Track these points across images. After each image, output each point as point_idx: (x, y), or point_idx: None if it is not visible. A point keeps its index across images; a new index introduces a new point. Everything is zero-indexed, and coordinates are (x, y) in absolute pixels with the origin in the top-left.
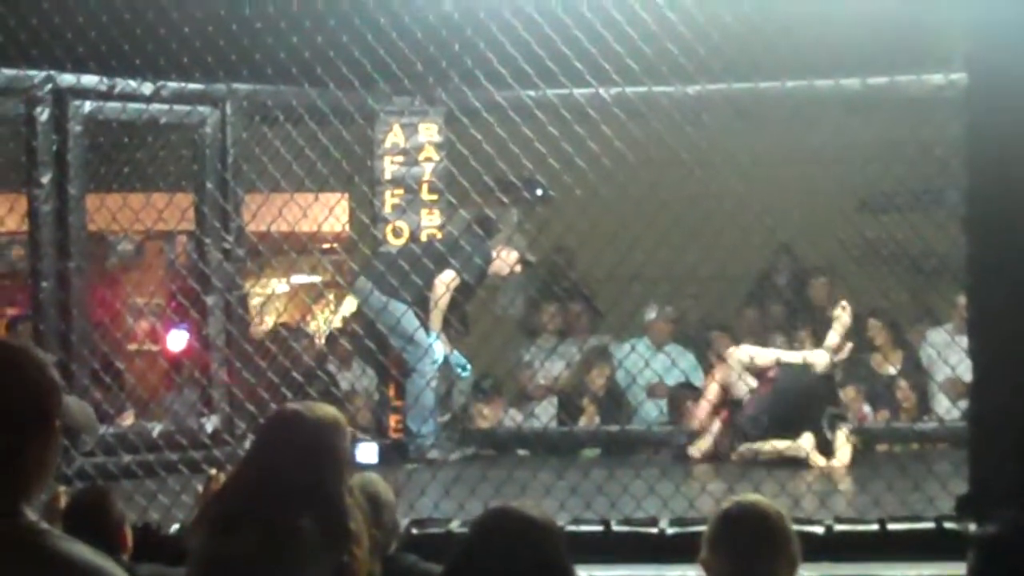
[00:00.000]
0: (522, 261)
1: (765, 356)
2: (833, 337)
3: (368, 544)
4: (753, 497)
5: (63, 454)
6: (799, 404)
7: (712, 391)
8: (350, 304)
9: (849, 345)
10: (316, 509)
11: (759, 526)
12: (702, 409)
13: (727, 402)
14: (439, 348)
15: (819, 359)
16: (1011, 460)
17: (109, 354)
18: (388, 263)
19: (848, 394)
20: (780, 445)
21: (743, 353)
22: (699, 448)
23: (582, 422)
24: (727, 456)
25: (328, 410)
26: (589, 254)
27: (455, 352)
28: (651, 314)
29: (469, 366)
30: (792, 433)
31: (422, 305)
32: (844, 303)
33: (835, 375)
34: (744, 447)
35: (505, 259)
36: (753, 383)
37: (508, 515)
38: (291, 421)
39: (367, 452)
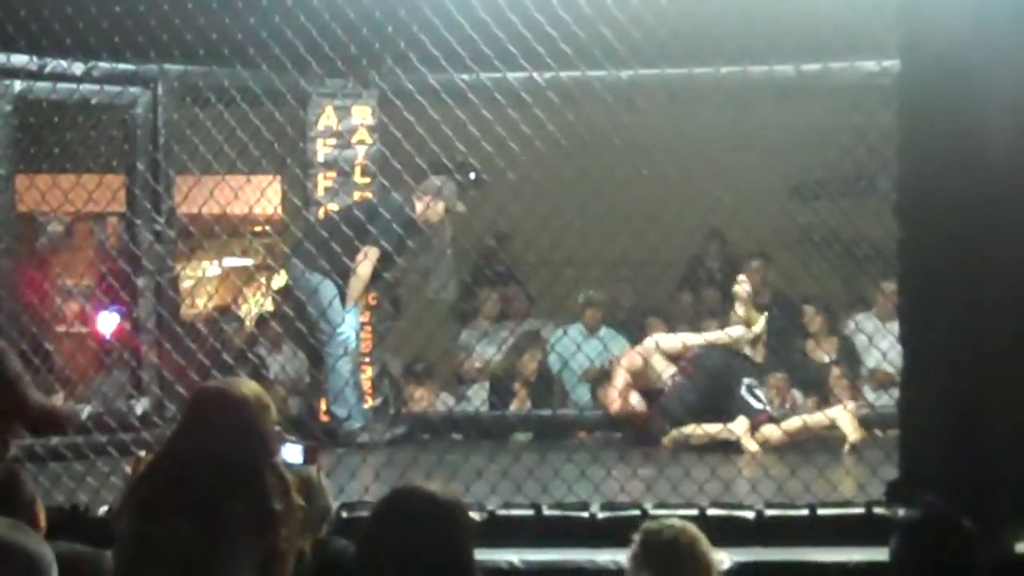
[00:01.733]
0: (449, 210)
1: (671, 341)
2: (739, 309)
3: (297, 526)
4: (670, 521)
5: None
6: (722, 383)
7: (620, 378)
8: (281, 279)
9: (761, 318)
10: (243, 490)
11: (675, 552)
12: (610, 396)
13: (646, 388)
14: (351, 321)
15: (736, 333)
16: (941, 446)
17: (38, 335)
18: (307, 232)
19: (777, 380)
20: (712, 429)
21: (649, 342)
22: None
23: (514, 406)
24: (658, 441)
25: (251, 386)
26: (522, 238)
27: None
28: (584, 298)
29: (353, 336)
30: (722, 415)
31: (345, 276)
32: (741, 277)
33: (753, 354)
34: (676, 431)
35: (433, 207)
36: (672, 369)
37: (410, 495)
38: (215, 399)
39: (292, 453)
